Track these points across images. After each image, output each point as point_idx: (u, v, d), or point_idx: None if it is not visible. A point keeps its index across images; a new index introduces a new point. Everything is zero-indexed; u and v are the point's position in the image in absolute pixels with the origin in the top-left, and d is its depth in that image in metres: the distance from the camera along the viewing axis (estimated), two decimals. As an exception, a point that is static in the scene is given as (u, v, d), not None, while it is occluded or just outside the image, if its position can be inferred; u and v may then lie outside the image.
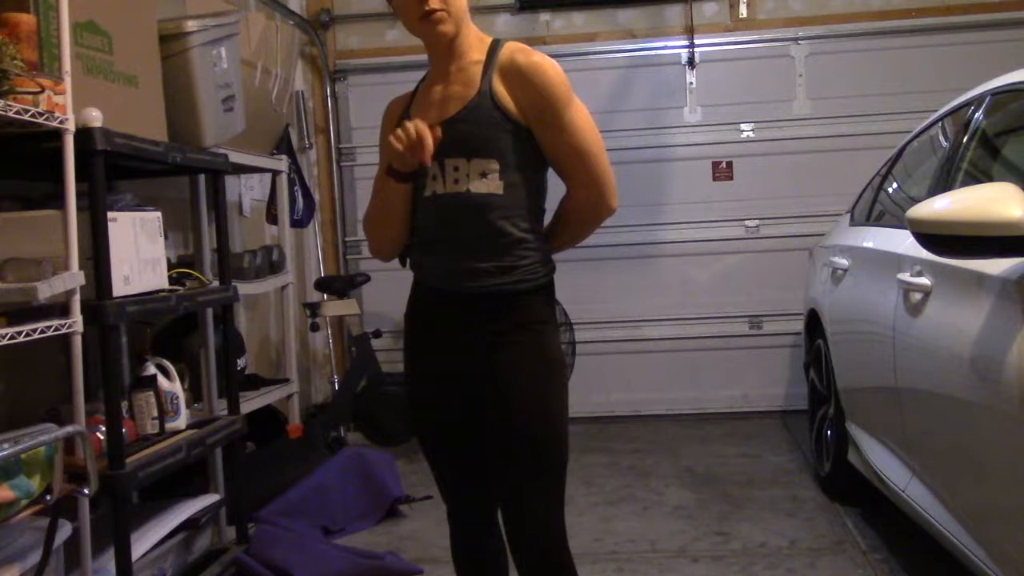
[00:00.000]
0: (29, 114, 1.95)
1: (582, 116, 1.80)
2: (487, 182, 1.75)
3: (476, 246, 1.77)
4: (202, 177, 3.08)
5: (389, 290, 4.79)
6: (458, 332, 1.82)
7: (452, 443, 1.91)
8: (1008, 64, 2.67)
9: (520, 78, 1.75)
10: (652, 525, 3.37)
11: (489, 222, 1.76)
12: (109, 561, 2.33)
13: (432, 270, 1.84)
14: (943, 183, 2.53)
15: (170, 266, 2.78)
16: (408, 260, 1.93)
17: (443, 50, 1.81)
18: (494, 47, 1.81)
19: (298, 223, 4.64)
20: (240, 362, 3.46)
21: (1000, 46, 4.87)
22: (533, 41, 5.18)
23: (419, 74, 1.97)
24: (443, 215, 1.79)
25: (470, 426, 1.86)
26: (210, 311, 3.05)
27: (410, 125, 1.70)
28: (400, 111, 1.91)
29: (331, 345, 5.25)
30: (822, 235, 4.13)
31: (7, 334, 1.89)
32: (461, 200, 1.76)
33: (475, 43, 1.82)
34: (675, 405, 5.22)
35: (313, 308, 4.60)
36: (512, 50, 1.78)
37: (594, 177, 1.81)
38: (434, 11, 1.74)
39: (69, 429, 1.89)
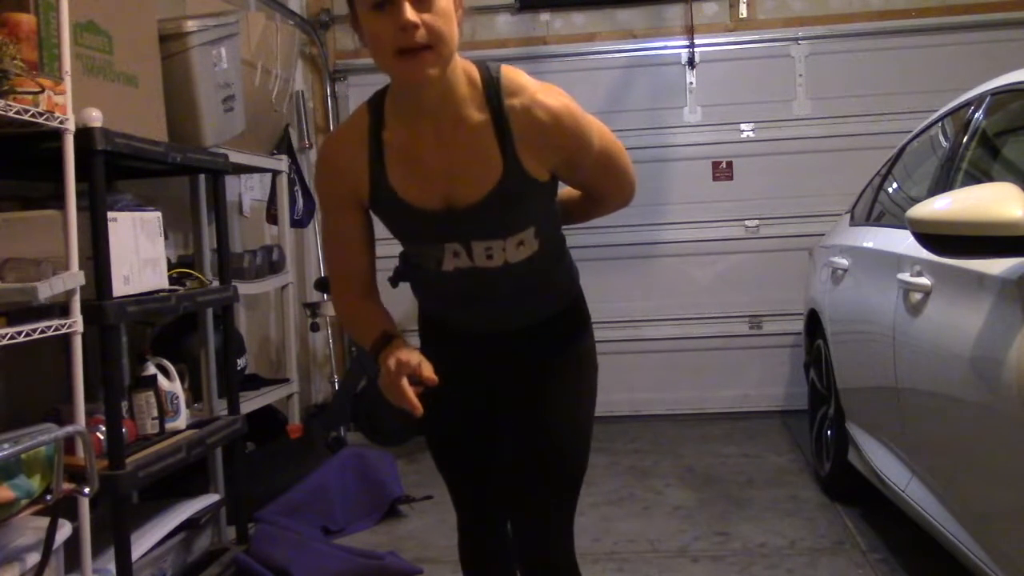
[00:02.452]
0: (29, 114, 1.95)
1: (602, 135, 1.59)
2: (525, 248, 1.57)
3: (517, 297, 1.65)
4: (202, 177, 3.08)
5: (389, 290, 4.80)
6: (493, 353, 1.72)
7: (471, 448, 1.82)
8: (1008, 64, 2.67)
9: (547, 138, 1.48)
10: (652, 525, 3.37)
11: (530, 278, 1.63)
12: (109, 561, 2.33)
13: (462, 320, 1.71)
14: (943, 183, 2.53)
15: (170, 266, 2.78)
16: (401, 283, 1.78)
17: (426, 94, 1.45)
18: (490, 92, 1.48)
19: (298, 223, 4.63)
20: (240, 362, 3.46)
21: (1000, 46, 4.86)
22: (533, 41, 5.19)
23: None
24: (475, 287, 1.61)
25: (491, 430, 1.80)
26: (210, 311, 3.05)
27: (400, 382, 1.43)
28: (362, 171, 1.52)
29: (331, 345, 5.24)
30: (822, 235, 4.12)
31: (7, 334, 1.89)
32: (499, 272, 1.58)
33: (463, 83, 1.47)
34: (675, 405, 5.22)
35: (313, 308, 4.60)
36: (525, 105, 1.47)
37: (624, 184, 1.73)
38: (418, 47, 1.36)
39: (69, 429, 1.89)
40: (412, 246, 1.63)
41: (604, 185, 1.70)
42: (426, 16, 1.36)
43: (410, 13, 1.35)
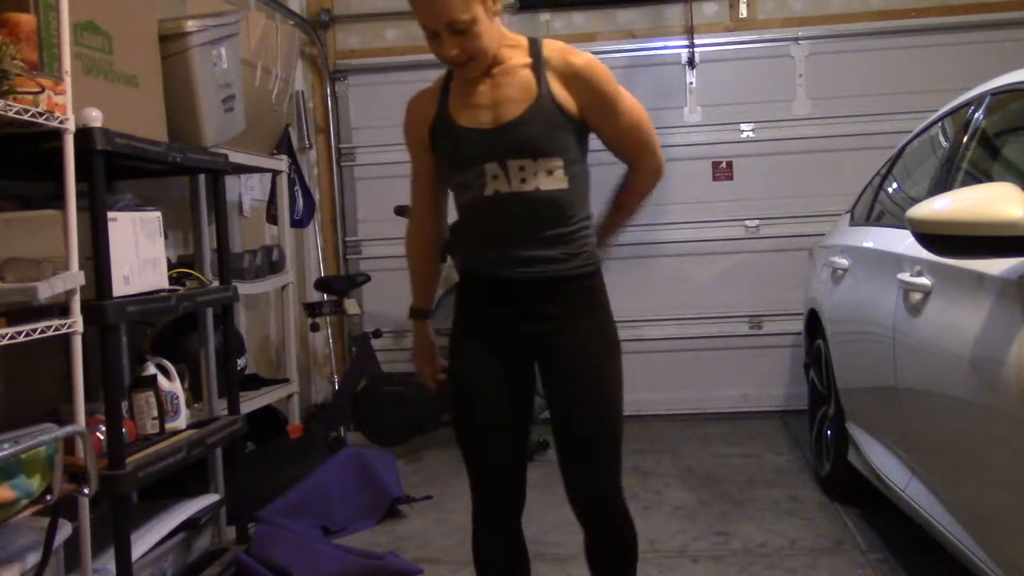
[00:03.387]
0: (29, 114, 1.95)
1: (629, 96, 1.92)
2: (554, 179, 1.84)
3: (546, 238, 1.86)
4: (202, 177, 3.08)
5: (389, 290, 4.80)
6: (520, 315, 1.89)
7: (499, 428, 1.94)
8: (1008, 64, 2.67)
9: (578, 79, 1.84)
10: (652, 525, 3.37)
11: (559, 216, 1.86)
12: (109, 561, 2.33)
13: (495, 260, 1.89)
14: (943, 183, 2.53)
15: (170, 266, 2.77)
16: (450, 256, 1.99)
17: None
18: (534, 47, 1.87)
19: (298, 223, 4.64)
20: (240, 362, 3.46)
21: (1000, 46, 4.87)
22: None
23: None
24: (510, 214, 1.86)
25: (520, 412, 1.95)
26: (210, 311, 3.05)
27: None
28: (431, 111, 1.92)
29: (331, 345, 5.25)
30: (822, 235, 4.12)
31: (7, 334, 1.89)
32: (531, 198, 1.84)
33: (511, 45, 1.88)
34: (675, 405, 5.22)
35: (313, 308, 4.60)
36: (560, 51, 1.86)
37: (651, 145, 1.97)
38: (462, 61, 1.82)
39: (69, 429, 1.89)
40: (460, 175, 1.90)
41: (635, 143, 1.95)
42: (464, 40, 1.77)
43: (449, 48, 1.78)
